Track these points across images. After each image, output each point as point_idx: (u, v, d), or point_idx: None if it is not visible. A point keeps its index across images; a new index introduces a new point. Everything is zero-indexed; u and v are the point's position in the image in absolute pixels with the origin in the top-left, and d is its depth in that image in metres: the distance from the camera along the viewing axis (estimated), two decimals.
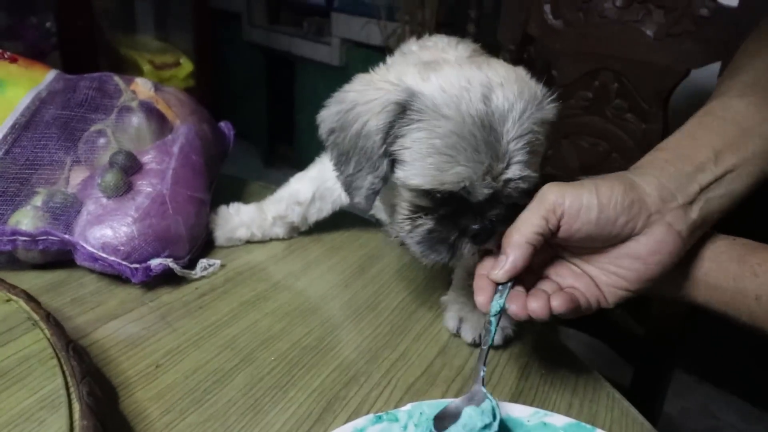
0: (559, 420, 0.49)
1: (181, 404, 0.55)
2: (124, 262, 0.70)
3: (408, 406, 0.49)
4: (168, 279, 0.73)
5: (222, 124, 1.01)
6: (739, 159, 0.53)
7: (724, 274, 0.53)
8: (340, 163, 0.59)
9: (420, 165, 0.53)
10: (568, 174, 1.17)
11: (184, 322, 0.66)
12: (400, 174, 0.55)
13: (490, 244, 0.56)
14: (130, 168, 0.75)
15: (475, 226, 0.54)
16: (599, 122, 1.08)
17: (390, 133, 0.54)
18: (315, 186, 0.82)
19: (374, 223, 0.84)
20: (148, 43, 2.52)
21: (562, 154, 1.14)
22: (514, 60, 1.19)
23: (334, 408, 0.55)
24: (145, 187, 0.74)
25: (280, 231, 0.85)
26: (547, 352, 0.65)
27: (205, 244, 0.81)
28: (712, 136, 0.54)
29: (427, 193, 0.55)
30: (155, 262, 0.70)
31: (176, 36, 2.74)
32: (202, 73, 2.61)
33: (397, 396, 0.57)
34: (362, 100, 0.56)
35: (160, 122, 0.82)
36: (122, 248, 0.70)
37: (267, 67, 3.22)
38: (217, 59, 3.11)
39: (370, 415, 0.48)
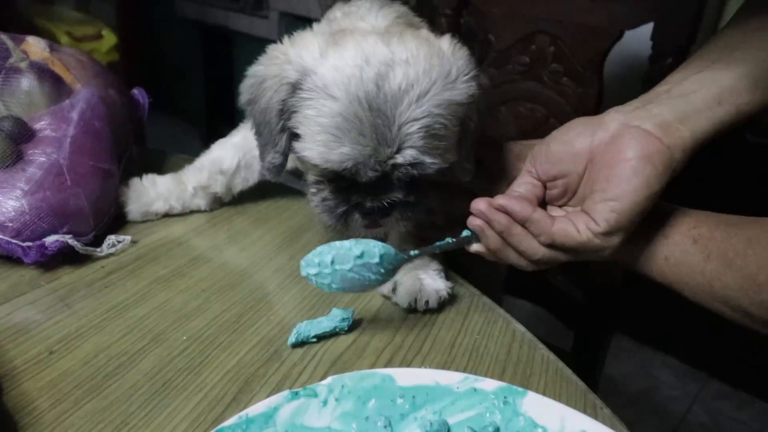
0: (490, 384, 0.46)
1: (76, 393, 0.49)
2: (13, 240, 0.62)
3: (328, 380, 0.46)
4: (71, 258, 0.66)
5: (135, 90, 0.93)
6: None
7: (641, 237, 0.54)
8: (257, 134, 0.62)
9: (311, 141, 0.54)
10: (506, 139, 1.15)
11: (85, 303, 0.60)
12: (297, 147, 0.56)
13: (385, 222, 0.58)
14: (19, 135, 0.67)
15: (368, 204, 0.56)
16: (536, 87, 1.06)
17: (284, 110, 0.56)
18: (240, 154, 0.77)
19: (303, 194, 0.79)
20: (66, 14, 2.33)
21: (501, 120, 1.12)
22: (451, 25, 1.16)
23: (252, 387, 0.51)
24: (38, 156, 0.66)
25: (201, 202, 0.79)
26: (481, 315, 0.63)
27: (116, 219, 0.74)
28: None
29: (319, 166, 0.55)
30: (51, 240, 0.63)
31: (99, 8, 2.56)
32: (128, 47, 2.44)
33: (321, 371, 0.53)
34: (267, 74, 0.57)
35: (55, 85, 0.73)
36: (10, 225, 0.62)
37: (203, 43, 3.06)
38: (147, 34, 2.93)
39: (286, 392, 0.44)
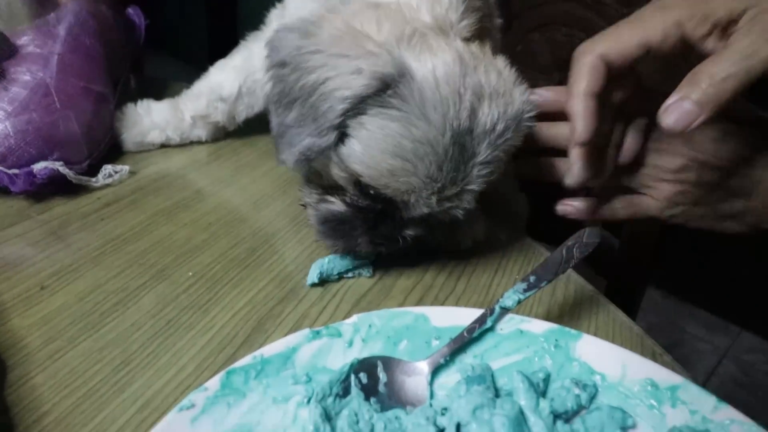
0: (538, 326, 0.41)
1: (70, 330, 0.45)
2: None
3: (354, 318, 0.41)
4: (63, 188, 0.61)
5: (130, 9, 0.86)
6: None
7: None
8: (278, 104, 0.47)
9: (373, 156, 0.44)
10: (540, 72, 1.08)
11: (80, 236, 0.55)
12: (344, 151, 0.45)
13: (386, 248, 0.50)
14: (1, 52, 0.61)
15: (383, 239, 0.49)
16: (576, 9, 0.97)
17: (354, 106, 0.43)
18: (241, 78, 0.70)
19: None
20: None
21: (533, 49, 1.04)
22: None
23: (266, 327, 0.47)
24: (22, 75, 0.61)
25: (201, 133, 0.73)
26: (519, 254, 0.58)
27: (112, 149, 0.69)
28: None
29: (358, 182, 0.47)
30: (39, 166, 0.58)
31: None
32: None
33: (343, 310, 0.49)
34: (334, 50, 0.43)
35: None
36: None
37: None
38: None
39: (306, 330, 0.39)
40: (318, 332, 0.40)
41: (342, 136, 0.45)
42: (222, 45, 0.77)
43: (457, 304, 0.50)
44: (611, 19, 0.95)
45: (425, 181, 0.44)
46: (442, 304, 0.50)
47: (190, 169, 0.69)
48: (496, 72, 0.46)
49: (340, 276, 0.52)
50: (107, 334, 0.45)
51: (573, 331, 0.41)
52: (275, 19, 0.68)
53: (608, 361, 0.39)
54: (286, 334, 0.45)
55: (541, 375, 0.39)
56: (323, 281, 0.51)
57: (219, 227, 0.58)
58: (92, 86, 0.66)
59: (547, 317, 0.49)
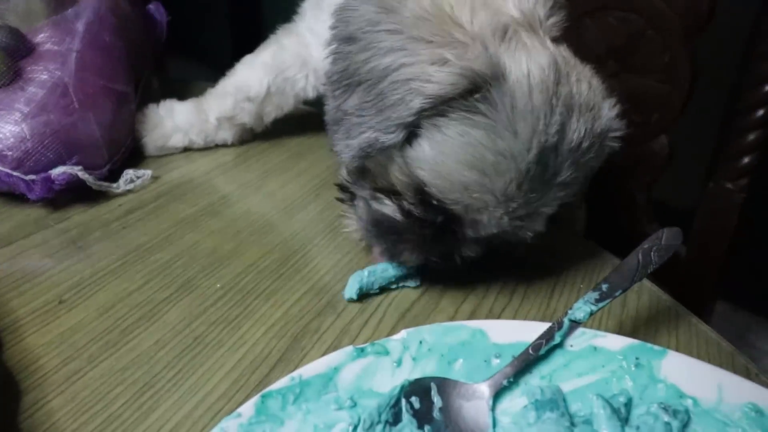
0: (614, 342, 0.38)
1: (90, 349, 0.43)
2: (14, 173, 0.57)
3: (402, 333, 0.38)
4: (83, 195, 0.60)
5: (151, 6, 0.85)
6: None
7: None
8: (338, 85, 0.44)
9: (446, 165, 0.41)
10: (593, 60, 1.04)
11: (101, 246, 0.54)
12: (412, 154, 0.42)
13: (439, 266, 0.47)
14: (16, 49, 0.61)
15: (439, 255, 0.46)
16: None
17: (435, 107, 0.39)
18: (270, 76, 0.68)
19: None
20: None
21: (584, 35, 1.00)
22: None
23: (303, 344, 0.44)
24: (39, 74, 0.60)
25: (227, 135, 0.72)
26: (581, 259, 0.54)
27: (134, 152, 0.68)
28: None
29: (421, 189, 0.43)
30: (58, 171, 0.57)
31: None
32: None
33: (388, 324, 0.46)
34: (416, 33, 0.39)
35: None
36: (10, 154, 0.56)
37: None
38: None
39: (349, 348, 0.37)
40: (363, 350, 0.37)
41: (411, 135, 0.41)
42: (245, 45, 0.76)
43: (514, 316, 0.47)
44: (672, 2, 0.91)
45: (500, 199, 0.41)
46: (497, 316, 0.47)
47: (215, 173, 0.68)
48: (586, 82, 0.42)
49: (382, 289, 0.49)
50: (130, 352, 0.43)
51: (656, 348, 0.37)
52: (309, 9, 0.67)
53: (700, 382, 0.36)
54: (325, 352, 0.43)
55: (622, 399, 0.35)
56: (363, 296, 0.49)
57: (248, 235, 0.57)
58: (113, 85, 0.65)
59: (619, 331, 0.45)
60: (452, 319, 0.47)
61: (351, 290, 0.48)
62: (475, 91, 0.38)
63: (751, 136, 0.84)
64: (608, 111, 0.43)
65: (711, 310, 1.02)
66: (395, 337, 0.38)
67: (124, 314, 0.46)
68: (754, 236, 1.00)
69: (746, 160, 0.86)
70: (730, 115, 0.99)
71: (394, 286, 0.50)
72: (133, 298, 0.48)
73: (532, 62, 0.39)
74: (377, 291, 0.49)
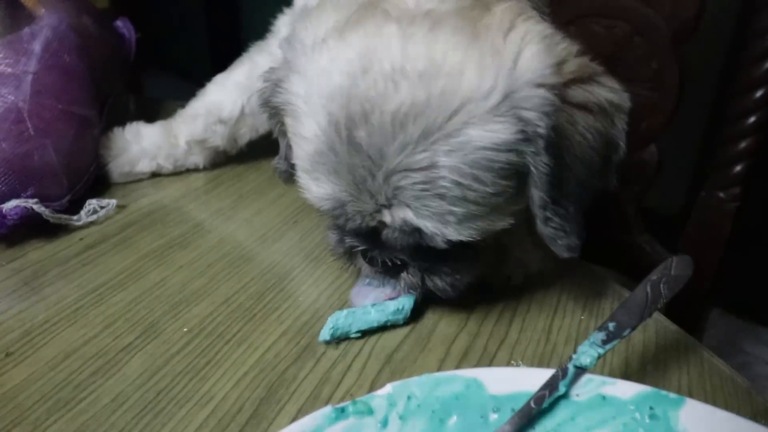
0: (624, 390, 0.33)
1: (37, 411, 0.38)
2: None
3: (387, 388, 0.34)
4: (40, 229, 0.55)
5: (119, 22, 0.80)
6: None
7: None
8: None
9: (297, 161, 0.42)
10: None
11: (57, 287, 0.49)
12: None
13: (400, 281, 0.44)
14: None
15: (371, 255, 0.43)
16: None
17: (274, 109, 0.45)
18: (244, 97, 0.64)
19: None
20: None
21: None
22: None
23: (278, 395, 0.39)
24: None
25: (198, 159, 0.67)
26: (582, 285, 0.50)
27: (98, 179, 0.63)
28: None
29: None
30: (10, 205, 0.52)
31: None
32: None
33: (372, 370, 0.41)
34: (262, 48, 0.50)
35: (10, 9, 0.61)
36: None
37: None
38: None
39: (327, 408, 0.32)
40: (343, 410, 0.32)
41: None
42: (225, 59, 0.71)
43: (511, 354, 0.43)
44: (659, 6, 0.87)
45: (332, 187, 0.40)
46: (493, 355, 0.43)
47: (186, 200, 0.63)
48: (453, 41, 0.36)
49: (363, 333, 0.44)
50: (82, 413, 0.38)
51: (672, 395, 0.33)
52: (283, 26, 0.62)
53: None
54: (302, 405, 0.39)
55: None
56: (339, 339, 0.44)
57: (220, 269, 0.52)
58: (73, 109, 0.60)
59: (626, 370, 0.41)
60: (443, 360, 0.42)
61: (325, 332, 0.43)
62: (278, 88, 0.42)
63: (743, 144, 0.81)
64: (508, 72, 0.36)
65: (704, 317, 0.99)
66: (379, 392, 0.33)
67: (78, 367, 0.41)
68: (743, 242, 0.96)
69: (738, 168, 0.83)
70: (717, 123, 0.95)
71: (375, 327, 0.44)
72: (89, 348, 0.43)
73: (331, 56, 0.39)
74: (357, 335, 0.44)
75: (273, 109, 0.45)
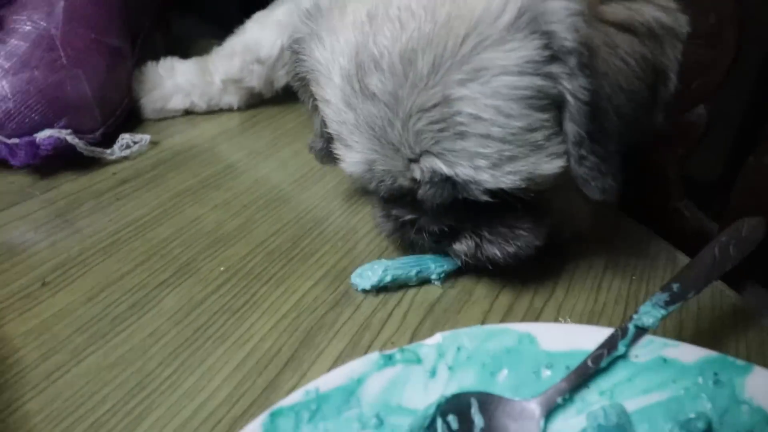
0: (688, 353, 0.32)
1: (75, 340, 0.37)
2: None
3: (437, 337, 0.32)
4: (73, 162, 0.54)
5: None
6: None
7: None
8: None
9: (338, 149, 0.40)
10: None
11: (91, 220, 0.48)
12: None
13: (459, 249, 0.40)
14: None
15: (422, 224, 0.40)
16: None
17: (299, 78, 0.42)
18: (284, 36, 0.60)
19: None
20: None
21: None
22: None
23: (317, 340, 0.38)
24: (22, 24, 0.53)
25: (233, 99, 0.65)
26: (632, 245, 0.47)
27: (131, 114, 0.61)
28: None
29: None
30: (44, 135, 0.51)
31: None
32: None
33: (414, 319, 0.40)
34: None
35: None
36: None
37: None
38: None
39: (374, 354, 0.31)
40: (390, 357, 0.31)
41: None
42: (253, 2, 0.68)
43: (559, 311, 0.41)
44: None
45: (360, 151, 0.37)
46: (540, 311, 0.41)
47: (220, 139, 0.61)
48: None
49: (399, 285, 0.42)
50: (120, 346, 0.37)
51: (739, 362, 0.31)
52: None
53: None
54: (342, 350, 0.37)
55: (700, 424, 0.29)
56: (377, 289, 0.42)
57: (256, 210, 0.50)
58: (106, 39, 0.58)
59: (680, 335, 0.39)
60: (487, 313, 0.41)
61: (361, 280, 0.41)
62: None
63: None
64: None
65: (738, 290, 0.96)
66: (428, 341, 0.32)
67: (115, 300, 0.40)
68: None
69: None
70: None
71: (414, 283, 0.43)
72: (125, 282, 0.42)
73: (345, 9, 0.36)
74: (395, 287, 0.42)
75: (301, 80, 0.42)
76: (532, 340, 0.32)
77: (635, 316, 0.32)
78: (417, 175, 0.36)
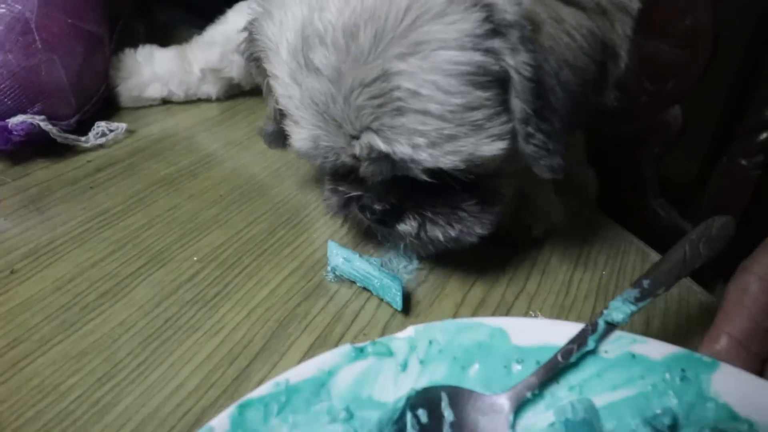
0: (656, 349, 0.31)
1: (42, 329, 0.36)
2: None
3: (409, 330, 0.32)
4: (47, 149, 0.52)
5: None
6: None
7: None
8: None
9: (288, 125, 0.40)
10: None
11: (63, 208, 0.47)
12: None
13: (403, 230, 0.39)
14: None
15: (367, 202, 0.39)
16: None
17: (253, 59, 0.42)
18: None
19: None
20: None
21: None
22: None
23: (289, 330, 0.38)
24: None
25: (211, 90, 0.63)
26: (604, 243, 0.47)
27: (107, 102, 0.60)
28: None
29: None
30: (16, 120, 0.49)
31: None
32: None
33: (386, 311, 0.40)
34: None
35: None
36: None
37: None
38: None
39: (347, 346, 0.30)
40: (362, 350, 0.30)
41: None
42: None
43: (529, 305, 0.41)
44: None
45: (306, 127, 0.36)
46: (511, 305, 0.41)
47: (197, 129, 0.60)
48: None
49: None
50: (88, 335, 0.36)
51: (706, 359, 0.31)
52: None
53: (757, 402, 0.29)
54: (314, 341, 0.37)
55: (666, 420, 0.29)
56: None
57: (232, 200, 0.49)
58: (83, 24, 0.56)
59: (646, 330, 0.39)
60: (459, 305, 0.40)
61: (329, 271, 0.41)
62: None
63: None
64: None
65: (710, 288, 0.97)
66: (400, 334, 0.31)
67: (85, 289, 0.39)
68: (759, 212, 0.93)
69: (763, 136, 0.79)
70: (743, 88, 0.91)
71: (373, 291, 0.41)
72: (96, 271, 0.41)
73: None
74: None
75: (255, 61, 0.41)
76: (504, 335, 0.32)
77: (605, 312, 0.32)
78: (357, 151, 0.36)
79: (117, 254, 0.43)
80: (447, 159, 0.34)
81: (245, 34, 0.42)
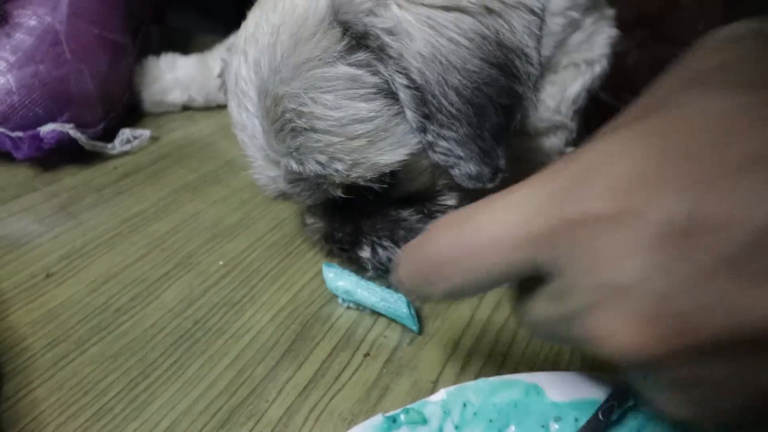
0: None
1: (80, 330, 0.39)
2: None
3: (441, 393, 0.32)
4: (75, 156, 0.55)
5: None
6: None
7: None
8: None
9: None
10: (619, 27, 0.96)
11: (93, 213, 0.49)
12: None
13: (366, 257, 0.41)
14: None
15: (329, 231, 0.41)
16: None
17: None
18: None
19: None
20: None
21: (615, 3, 0.93)
22: None
23: (313, 333, 0.40)
24: (27, 19, 0.54)
25: None
26: None
27: (131, 110, 0.62)
28: None
29: None
30: (47, 129, 0.52)
31: None
32: None
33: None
34: None
35: None
36: None
37: None
38: None
39: (378, 417, 0.31)
40: (395, 419, 0.31)
41: None
42: None
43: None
44: None
45: (258, 165, 0.39)
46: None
47: (219, 135, 0.62)
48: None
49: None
50: (123, 336, 0.38)
51: None
52: None
53: None
54: (337, 343, 0.39)
55: None
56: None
57: (254, 206, 0.51)
58: (109, 35, 0.59)
59: None
60: (476, 309, 0.42)
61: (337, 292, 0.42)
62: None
63: None
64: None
65: None
66: (433, 398, 0.32)
67: (118, 292, 0.42)
68: None
69: None
70: None
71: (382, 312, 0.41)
72: (127, 274, 0.43)
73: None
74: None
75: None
76: (539, 391, 0.32)
77: None
78: (282, 176, 0.38)
79: (146, 258, 0.45)
80: (354, 172, 0.35)
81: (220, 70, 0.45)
